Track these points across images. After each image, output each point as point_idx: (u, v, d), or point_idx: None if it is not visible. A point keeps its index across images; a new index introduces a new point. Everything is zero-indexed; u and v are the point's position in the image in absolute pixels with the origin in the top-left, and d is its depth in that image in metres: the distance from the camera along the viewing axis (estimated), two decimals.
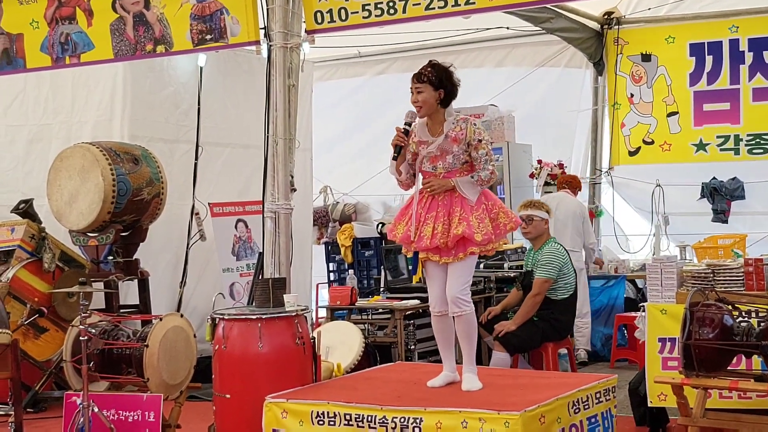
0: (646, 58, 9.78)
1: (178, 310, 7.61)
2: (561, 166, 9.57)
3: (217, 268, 8.10)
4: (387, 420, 4.47)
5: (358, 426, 4.54)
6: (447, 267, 4.97)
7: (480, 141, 4.90)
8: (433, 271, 5.02)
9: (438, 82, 4.90)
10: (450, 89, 4.94)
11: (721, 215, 9.48)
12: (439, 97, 4.91)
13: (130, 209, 7.03)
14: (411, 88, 4.96)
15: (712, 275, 5.72)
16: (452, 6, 5.64)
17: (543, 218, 7.01)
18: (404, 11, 5.76)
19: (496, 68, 10.64)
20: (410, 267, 5.10)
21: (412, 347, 6.90)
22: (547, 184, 9.52)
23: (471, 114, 9.98)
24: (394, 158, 5.01)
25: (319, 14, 5.91)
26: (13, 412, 5.32)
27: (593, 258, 8.85)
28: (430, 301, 5.10)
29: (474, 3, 5.61)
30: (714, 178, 9.49)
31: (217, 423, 5.15)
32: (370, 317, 7.11)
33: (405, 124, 5.00)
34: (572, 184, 8.88)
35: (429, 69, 4.93)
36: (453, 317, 4.97)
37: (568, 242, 7.98)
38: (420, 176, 5.04)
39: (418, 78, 4.93)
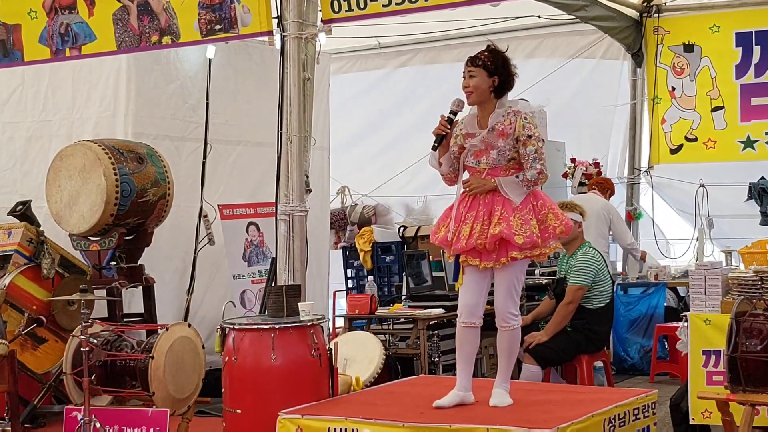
0: (688, 48, 9.73)
1: (186, 319, 7.63)
2: (596, 165, 9.55)
3: (227, 274, 8.11)
4: None
5: None
6: (487, 274, 4.90)
7: (530, 137, 4.82)
8: (469, 276, 4.91)
9: (493, 67, 4.84)
10: (505, 78, 4.89)
11: None
12: (493, 85, 4.85)
13: (135, 211, 7.06)
14: (464, 71, 4.90)
15: (760, 282, 5.68)
16: None
17: (576, 221, 6.99)
18: None
19: (526, 60, 10.60)
20: (442, 273, 5.03)
21: (437, 359, 6.90)
22: (581, 184, 9.50)
23: None
24: (434, 148, 4.95)
25: (336, 2, 5.92)
26: (10, 428, 5.36)
27: (637, 256, 8.82)
28: (459, 309, 4.99)
29: None
30: (762, 177, 9.44)
31: None
32: (391, 327, 7.11)
33: (450, 112, 4.95)
34: (603, 186, 8.90)
35: (485, 53, 4.88)
36: (498, 330, 4.91)
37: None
38: (464, 172, 4.99)
39: (472, 61, 4.87)
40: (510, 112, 4.88)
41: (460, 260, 4.92)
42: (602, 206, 8.61)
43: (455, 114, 4.95)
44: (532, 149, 4.82)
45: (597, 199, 8.68)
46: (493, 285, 4.99)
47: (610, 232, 8.76)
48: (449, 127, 4.93)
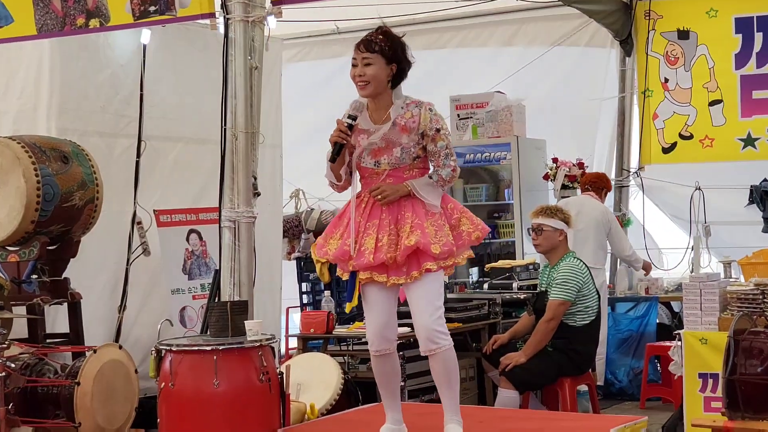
0: (683, 35, 9.81)
1: (117, 340, 7.58)
2: (581, 165, 9.60)
3: (165, 289, 8.07)
4: None
5: None
6: (393, 291, 4.83)
7: (438, 131, 4.76)
8: (374, 295, 4.83)
9: (392, 54, 4.77)
10: (403, 66, 4.82)
11: None
12: (391, 73, 4.78)
13: (59, 218, 7.01)
14: (355, 59, 4.81)
15: (761, 297, 5.74)
16: None
17: (556, 228, 7.02)
18: None
19: (503, 48, 10.67)
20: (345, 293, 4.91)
21: (402, 384, 6.89)
22: (564, 187, 9.54)
23: (473, 103, 10.16)
24: (332, 160, 4.84)
25: None
26: None
27: (638, 267, 8.85)
28: (368, 336, 4.93)
29: None
30: (765, 180, 9.52)
31: None
32: (350, 348, 7.10)
33: (348, 116, 4.83)
34: (597, 185, 8.85)
35: (381, 36, 4.79)
36: (427, 356, 4.80)
37: (590, 257, 8.00)
38: (357, 175, 4.91)
39: (367, 46, 4.77)
40: (410, 103, 4.81)
41: (360, 277, 4.81)
42: (601, 212, 8.61)
43: (355, 119, 4.83)
44: (443, 144, 4.77)
45: (595, 203, 8.66)
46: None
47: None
48: (349, 133, 4.81)
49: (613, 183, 10.01)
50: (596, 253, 8.43)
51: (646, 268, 8.97)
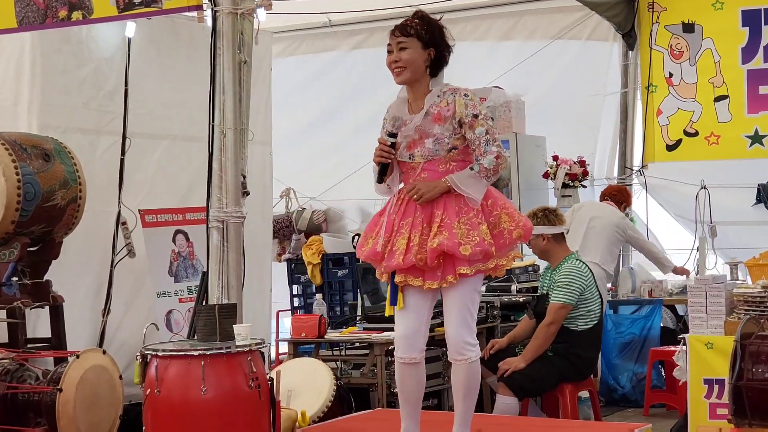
0: (688, 28, 9.83)
1: (101, 345, 7.58)
2: (582, 163, 9.62)
3: (150, 292, 8.07)
4: None
5: None
6: (429, 296, 4.76)
7: (476, 117, 4.62)
8: (410, 299, 4.74)
9: (429, 38, 4.68)
10: (442, 51, 4.73)
11: None
12: (429, 59, 4.70)
13: (40, 218, 7.00)
14: (390, 44, 4.73)
15: None
16: None
17: (536, 234, 6.99)
18: None
19: (501, 41, 10.69)
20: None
21: (395, 390, 6.89)
22: (565, 186, 9.56)
23: None
24: (379, 180, 4.77)
25: None
26: None
27: (670, 268, 8.87)
28: (395, 341, 4.86)
29: None
30: None
31: None
32: (343, 353, 7.10)
33: (388, 134, 4.74)
34: (617, 198, 8.94)
35: (417, 20, 4.71)
36: (452, 365, 4.77)
37: (598, 256, 8.09)
38: (396, 169, 4.81)
39: (401, 30, 4.69)
40: (446, 91, 4.70)
41: (396, 281, 4.72)
42: (618, 223, 8.64)
43: (395, 135, 4.73)
44: (482, 130, 4.62)
45: (614, 212, 8.75)
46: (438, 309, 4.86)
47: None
48: (393, 152, 4.72)
49: (615, 182, 10.05)
50: (604, 257, 8.43)
51: (680, 272, 8.95)
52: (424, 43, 4.68)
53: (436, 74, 4.75)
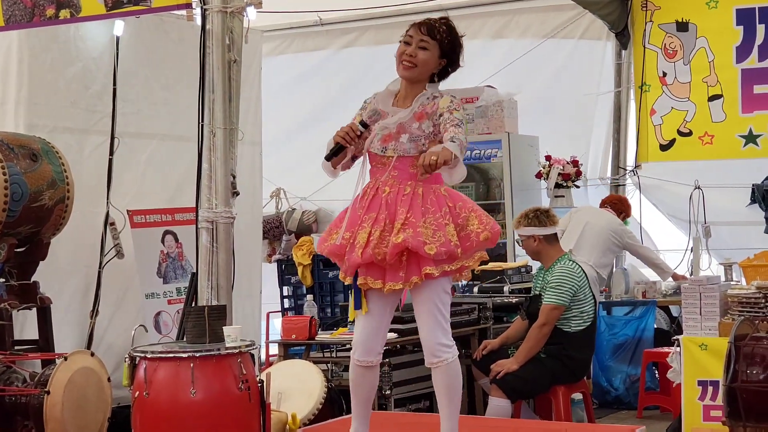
0: (682, 26, 9.84)
1: (89, 347, 7.57)
2: (575, 163, 9.63)
3: (139, 293, 8.06)
4: None
5: None
6: (390, 299, 4.74)
7: (453, 111, 4.57)
8: (370, 303, 4.72)
9: (449, 49, 4.71)
10: (452, 64, 4.77)
11: None
12: (439, 68, 4.73)
13: (27, 218, 6.99)
14: (410, 36, 4.69)
15: (763, 301, 5.76)
16: None
17: (528, 235, 7.02)
18: None
19: (493, 40, 10.68)
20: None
21: (387, 392, 6.90)
22: (558, 186, 9.56)
23: (462, 98, 10.12)
24: (328, 158, 4.74)
25: None
26: None
27: (668, 275, 8.87)
28: (353, 344, 4.85)
29: None
30: (767, 178, 9.56)
31: None
32: (334, 355, 7.09)
33: (360, 122, 4.74)
34: (617, 206, 8.99)
35: (444, 27, 4.71)
36: (432, 369, 4.73)
37: (592, 258, 8.18)
38: (367, 160, 4.78)
39: (429, 29, 4.67)
40: (437, 96, 4.70)
41: (358, 283, 4.70)
42: (615, 230, 8.63)
43: (367, 126, 4.74)
44: (459, 115, 4.56)
45: (613, 219, 8.76)
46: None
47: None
48: (356, 140, 4.71)
49: (608, 182, 10.07)
50: (599, 260, 8.43)
51: (678, 278, 8.92)
52: (442, 52, 4.71)
53: (438, 81, 4.78)
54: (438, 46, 4.68)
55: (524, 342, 6.91)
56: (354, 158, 4.84)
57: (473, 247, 4.66)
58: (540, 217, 7.09)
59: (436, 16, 4.90)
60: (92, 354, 5.82)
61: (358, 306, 4.75)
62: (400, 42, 4.75)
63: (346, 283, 4.84)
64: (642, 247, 9.04)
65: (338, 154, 4.74)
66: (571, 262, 7.06)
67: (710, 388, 5.85)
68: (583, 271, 7.10)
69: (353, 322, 4.94)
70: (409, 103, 4.72)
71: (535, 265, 7.77)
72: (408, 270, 4.59)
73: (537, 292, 7.10)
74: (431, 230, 4.56)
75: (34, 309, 7.18)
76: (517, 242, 7.23)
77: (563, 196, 9.69)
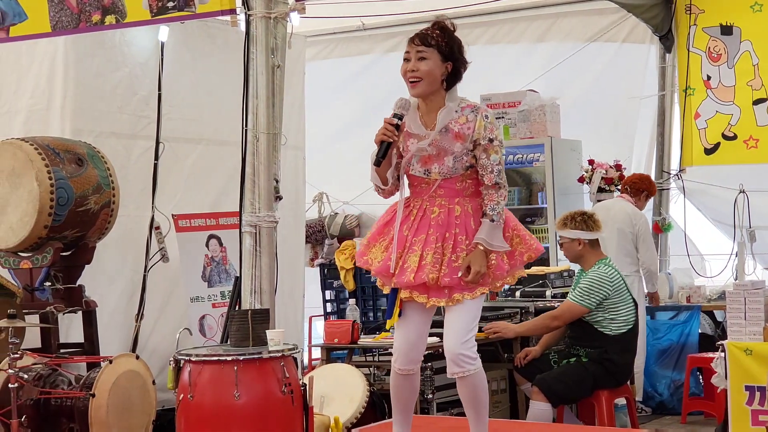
0: (726, 30, 9.77)
1: (134, 350, 7.61)
2: (618, 167, 9.56)
3: (184, 296, 8.09)
4: None
5: None
6: (431, 311, 4.78)
7: (491, 141, 4.62)
8: (410, 312, 4.76)
9: (448, 51, 4.66)
10: (458, 66, 4.71)
11: None
12: (446, 72, 4.67)
13: (73, 222, 7.04)
14: (408, 52, 4.67)
15: None
16: None
17: (572, 238, 7.00)
18: None
19: (536, 44, 10.65)
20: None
21: (430, 396, 6.89)
22: (601, 190, 9.50)
23: (505, 102, 10.14)
24: (377, 163, 4.72)
25: None
26: None
27: (652, 286, 8.67)
28: (393, 352, 4.87)
29: None
30: None
31: None
32: (376, 359, 7.09)
33: (394, 115, 4.70)
34: (636, 186, 8.73)
35: (438, 31, 4.66)
36: (455, 379, 4.74)
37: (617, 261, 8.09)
38: (406, 182, 4.78)
39: (422, 39, 4.63)
40: (465, 107, 4.68)
41: (401, 295, 4.72)
42: (627, 217, 8.53)
43: (401, 117, 4.70)
44: (496, 159, 4.63)
45: (621, 208, 8.60)
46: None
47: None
48: (396, 133, 4.68)
49: None
50: (619, 259, 8.31)
51: (653, 297, 8.76)
52: (444, 56, 4.66)
53: (451, 88, 4.73)
54: (436, 52, 4.64)
55: (533, 320, 6.93)
56: (399, 177, 4.83)
57: (516, 267, 4.76)
58: (587, 221, 7.08)
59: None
60: (137, 357, 5.85)
61: (389, 315, 4.79)
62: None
63: (385, 292, 4.85)
64: (648, 246, 8.73)
65: (386, 153, 4.70)
66: (608, 267, 7.02)
67: (758, 393, 5.80)
68: (620, 276, 7.05)
69: (392, 329, 4.97)
70: (433, 119, 4.70)
71: (577, 268, 7.73)
72: (451, 288, 4.66)
73: None
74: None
75: (80, 312, 7.23)
76: (559, 243, 7.18)
77: (605, 200, 9.62)
